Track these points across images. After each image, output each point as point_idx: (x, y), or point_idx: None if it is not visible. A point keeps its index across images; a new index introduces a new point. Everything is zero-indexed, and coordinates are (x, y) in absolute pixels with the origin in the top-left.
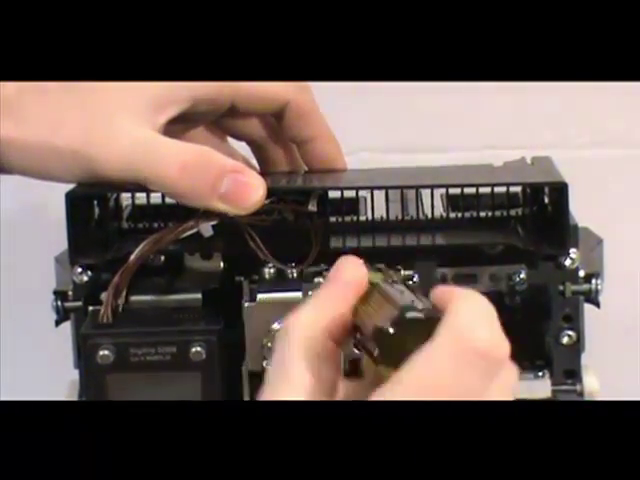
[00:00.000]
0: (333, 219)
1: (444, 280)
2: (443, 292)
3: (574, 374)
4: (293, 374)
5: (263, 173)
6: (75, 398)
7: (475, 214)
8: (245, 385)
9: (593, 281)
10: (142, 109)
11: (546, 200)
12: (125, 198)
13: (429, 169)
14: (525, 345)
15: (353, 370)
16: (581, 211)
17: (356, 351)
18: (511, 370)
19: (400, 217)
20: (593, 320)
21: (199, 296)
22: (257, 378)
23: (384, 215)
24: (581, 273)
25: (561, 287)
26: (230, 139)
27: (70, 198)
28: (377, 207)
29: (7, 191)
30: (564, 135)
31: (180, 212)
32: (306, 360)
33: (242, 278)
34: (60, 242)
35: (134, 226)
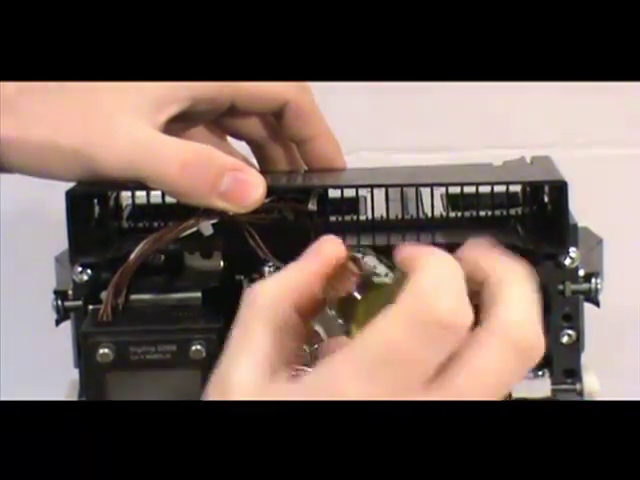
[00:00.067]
0: (333, 218)
1: None
2: (409, 252)
3: (574, 373)
4: (254, 343)
5: (263, 172)
6: (75, 398)
7: (475, 213)
8: None
9: (593, 280)
10: (142, 108)
11: (546, 199)
12: (125, 197)
13: (429, 168)
14: None
15: None
16: (581, 211)
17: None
18: (486, 351)
19: (400, 216)
20: (593, 320)
21: (199, 295)
22: None
23: (384, 214)
24: (581, 272)
25: (561, 286)
26: (230, 138)
27: (70, 197)
28: (377, 206)
29: (7, 191)
30: (564, 135)
31: (180, 211)
32: (268, 329)
33: (242, 277)
34: (60, 242)
35: (134, 225)
